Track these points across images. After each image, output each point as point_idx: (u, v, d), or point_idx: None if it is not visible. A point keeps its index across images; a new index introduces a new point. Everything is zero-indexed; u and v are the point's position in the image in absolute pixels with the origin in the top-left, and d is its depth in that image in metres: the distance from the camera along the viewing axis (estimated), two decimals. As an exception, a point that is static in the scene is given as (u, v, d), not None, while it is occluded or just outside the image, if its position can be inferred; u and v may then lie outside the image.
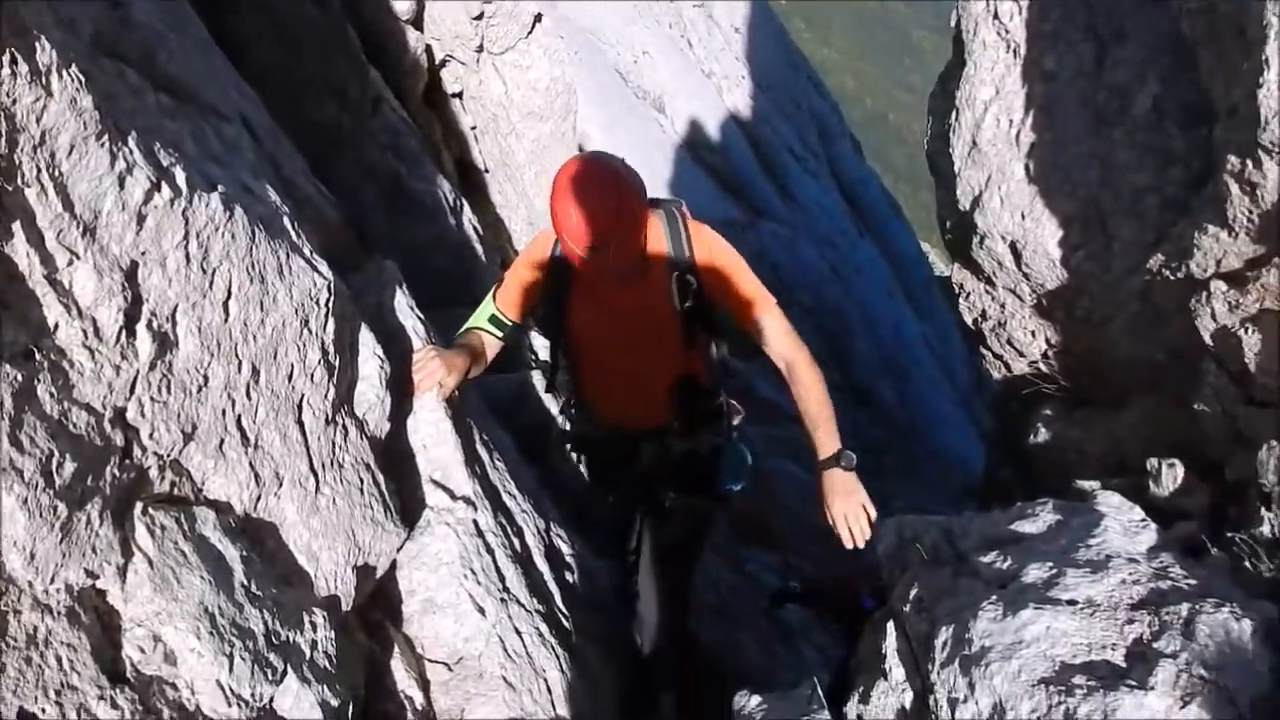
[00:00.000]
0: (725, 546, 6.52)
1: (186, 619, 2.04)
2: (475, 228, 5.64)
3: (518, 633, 3.22)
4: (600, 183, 3.15)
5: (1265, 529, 2.96)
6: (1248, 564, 2.78)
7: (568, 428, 4.20)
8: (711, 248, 3.42)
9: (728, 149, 14.94)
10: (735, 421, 3.92)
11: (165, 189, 2.04)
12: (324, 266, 2.61)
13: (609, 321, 3.54)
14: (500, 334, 3.56)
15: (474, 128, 6.78)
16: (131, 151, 1.98)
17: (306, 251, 2.58)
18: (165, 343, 2.07)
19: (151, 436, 2.07)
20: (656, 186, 12.03)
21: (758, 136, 15.90)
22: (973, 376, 15.07)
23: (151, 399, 2.05)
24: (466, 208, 5.62)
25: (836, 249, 15.56)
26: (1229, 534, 2.99)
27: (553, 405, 5.12)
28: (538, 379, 5.20)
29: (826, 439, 3.31)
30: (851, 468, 3.27)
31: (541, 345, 5.88)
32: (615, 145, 11.72)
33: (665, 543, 3.97)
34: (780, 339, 3.38)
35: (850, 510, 3.20)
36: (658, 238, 3.37)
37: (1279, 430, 3.21)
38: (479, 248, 5.53)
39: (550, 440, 4.89)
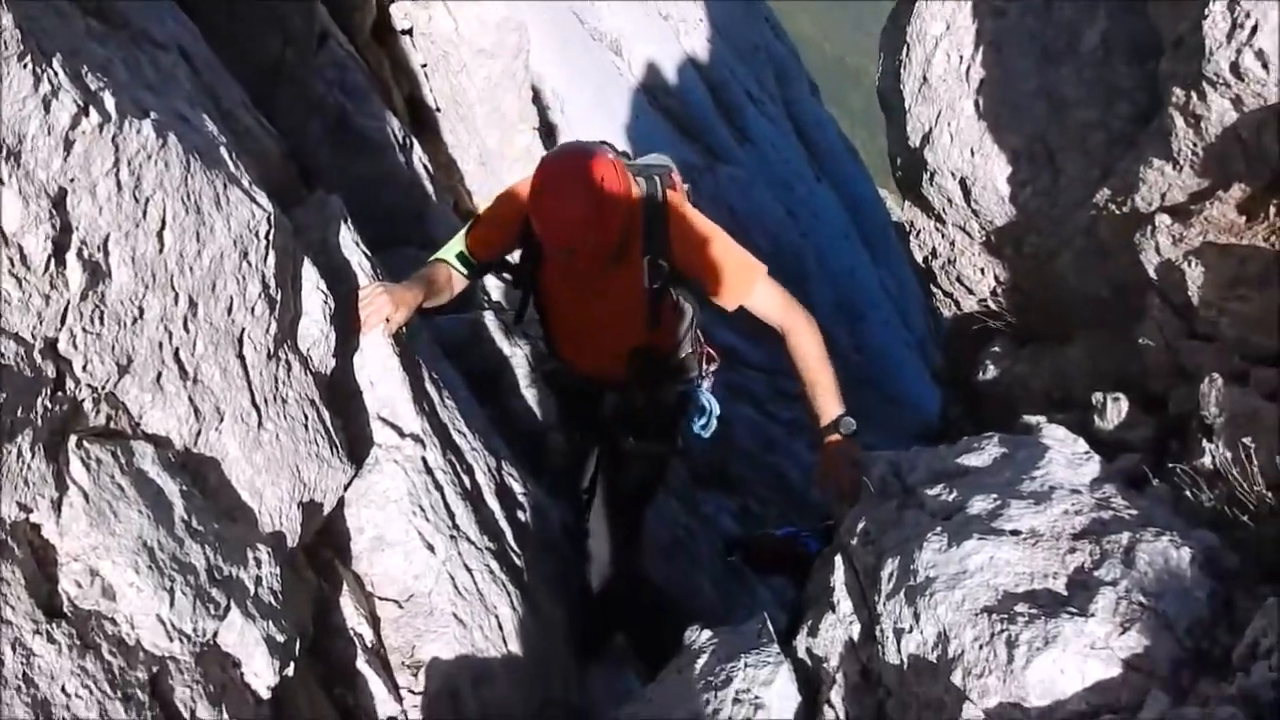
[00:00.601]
0: (682, 489, 6.55)
1: (124, 553, 2.01)
2: (426, 166, 5.56)
3: (468, 569, 3.21)
4: (578, 188, 3.12)
5: (1206, 460, 3.00)
6: (1188, 494, 2.82)
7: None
8: (690, 231, 3.37)
9: (685, 92, 14.80)
10: (711, 369, 3.90)
11: (94, 114, 1.99)
12: (263, 198, 2.56)
13: (577, 287, 3.51)
14: (466, 272, 3.52)
15: (424, 65, 6.68)
16: (57, 74, 1.91)
17: (245, 183, 2.53)
18: (97, 273, 2.03)
19: (85, 368, 2.02)
20: (614, 130, 11.93)
21: (715, 80, 15.76)
22: (929, 322, 15.13)
23: (84, 330, 2.00)
24: (417, 146, 5.54)
25: (793, 192, 15.51)
26: (1171, 465, 3.03)
27: (506, 346, 5.10)
28: (490, 320, 5.17)
29: (825, 404, 3.31)
30: (849, 433, 3.27)
31: (495, 286, 5.84)
32: (572, 87, 11.61)
33: (620, 488, 3.97)
34: (773, 309, 3.35)
35: (843, 482, 3.24)
36: (635, 218, 3.32)
37: (1220, 363, 3.25)
38: (429, 186, 5.46)
39: (503, 382, 4.88)
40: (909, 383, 14.12)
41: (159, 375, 2.22)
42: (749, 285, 3.34)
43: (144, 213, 2.14)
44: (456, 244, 3.52)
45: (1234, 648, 2.07)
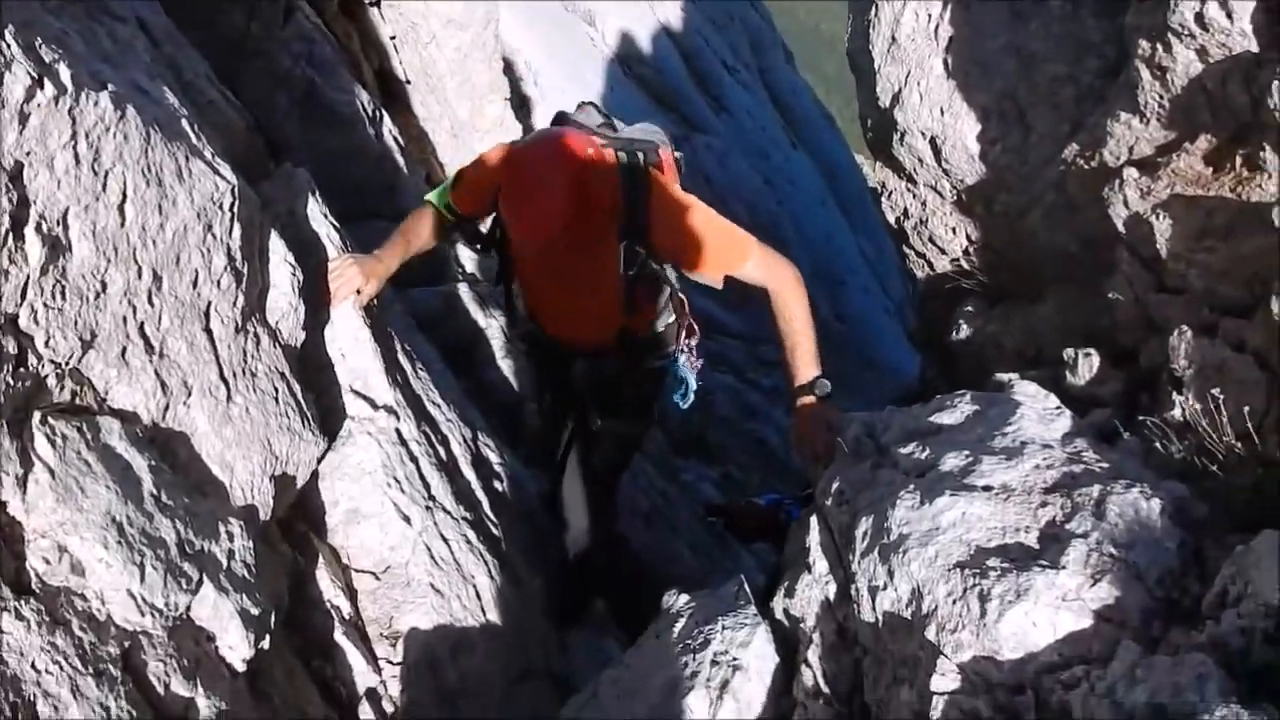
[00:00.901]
0: (659, 456, 6.56)
1: (93, 529, 2.00)
2: (396, 139, 5.52)
3: (444, 540, 3.22)
4: (553, 179, 3.05)
5: (1176, 412, 3.02)
6: (1158, 446, 2.84)
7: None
8: (671, 212, 3.27)
9: (659, 61, 14.74)
10: (692, 342, 3.79)
11: (49, 86, 1.96)
12: (227, 170, 2.53)
13: (552, 268, 3.46)
14: (451, 219, 3.47)
15: (393, 37, 6.60)
16: (10, 46, 1.89)
17: (208, 155, 2.50)
18: (57, 247, 2.01)
19: (47, 344, 2.01)
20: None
21: (690, 48, 15.70)
22: (907, 287, 15.14)
23: (45, 305, 1.99)
24: (387, 119, 5.49)
25: (769, 161, 15.50)
26: (1141, 418, 3.05)
27: (480, 318, 5.08)
28: (464, 292, 5.15)
29: (802, 365, 3.28)
30: (824, 395, 3.26)
31: (469, 258, 5.82)
32: (545, 58, 11.54)
33: (592, 463, 3.96)
34: (761, 278, 3.29)
35: (816, 443, 3.22)
36: (616, 201, 3.23)
37: (1189, 315, 3.27)
38: (400, 159, 5.42)
39: (478, 353, 4.86)
40: (888, 348, 14.16)
41: (124, 350, 2.20)
42: (737, 259, 3.27)
43: (104, 186, 2.12)
44: (444, 195, 3.44)
45: (1204, 597, 2.08)
